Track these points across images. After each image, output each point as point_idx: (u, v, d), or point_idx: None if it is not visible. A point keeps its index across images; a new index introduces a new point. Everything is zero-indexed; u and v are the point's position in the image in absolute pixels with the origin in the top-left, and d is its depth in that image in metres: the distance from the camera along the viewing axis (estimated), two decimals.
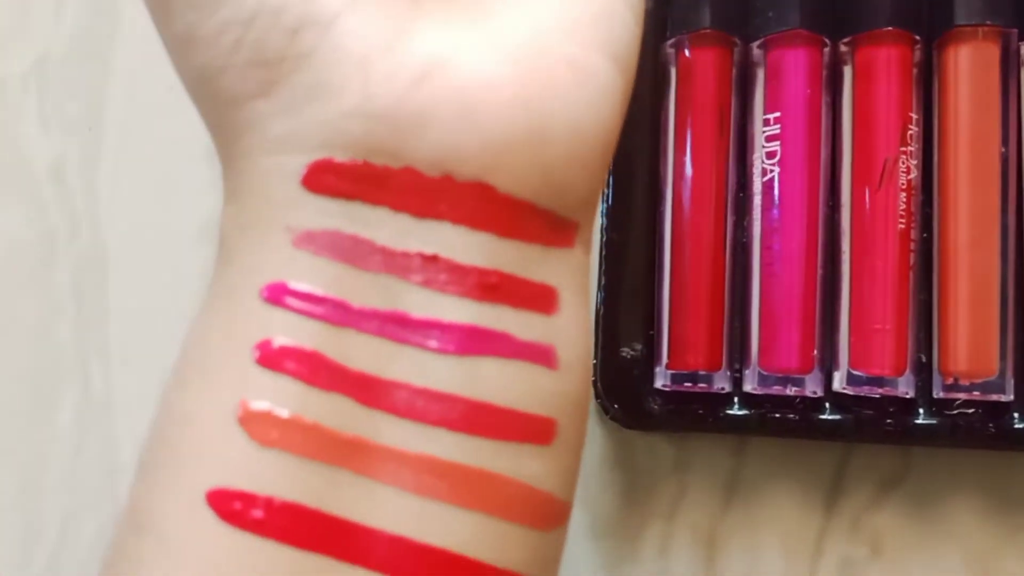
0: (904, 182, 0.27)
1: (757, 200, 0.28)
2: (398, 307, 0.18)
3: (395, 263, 0.18)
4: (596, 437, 0.30)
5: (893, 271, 0.27)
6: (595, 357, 0.29)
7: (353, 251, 0.18)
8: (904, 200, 0.27)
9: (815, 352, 0.27)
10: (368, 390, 0.18)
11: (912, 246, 0.27)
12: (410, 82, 0.17)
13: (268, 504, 0.17)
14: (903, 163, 0.27)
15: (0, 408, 0.32)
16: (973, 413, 0.28)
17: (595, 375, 0.29)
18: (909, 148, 0.27)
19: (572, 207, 0.19)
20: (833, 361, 0.28)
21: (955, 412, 0.27)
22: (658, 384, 0.28)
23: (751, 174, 0.28)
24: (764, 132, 0.28)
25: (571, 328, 0.19)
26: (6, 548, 0.32)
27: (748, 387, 0.28)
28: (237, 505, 0.17)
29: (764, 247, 0.28)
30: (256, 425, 0.17)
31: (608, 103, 0.19)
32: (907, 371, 0.27)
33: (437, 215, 0.18)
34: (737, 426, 0.28)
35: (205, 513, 0.17)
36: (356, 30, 0.18)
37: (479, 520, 0.18)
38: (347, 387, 0.18)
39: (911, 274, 0.27)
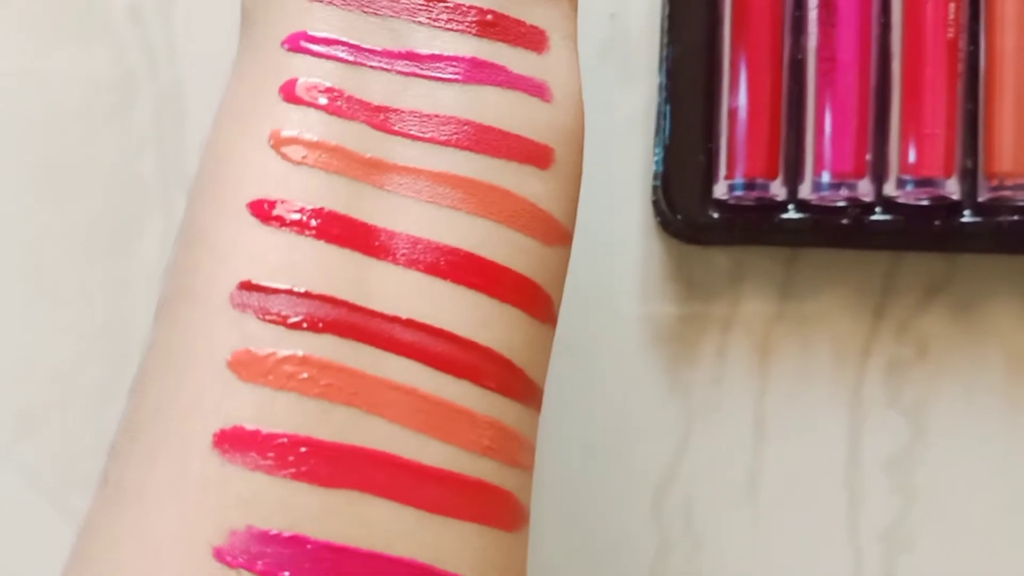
0: None
1: (813, 15, 0.30)
2: (406, 45, 0.20)
3: (400, 6, 0.20)
4: (656, 253, 0.32)
5: (943, 78, 0.29)
6: (658, 170, 0.31)
7: None
8: (953, 11, 0.29)
9: (868, 156, 0.29)
10: (383, 117, 0.20)
11: (960, 56, 0.29)
12: None
13: (302, 208, 0.19)
14: None
15: (86, 243, 0.34)
16: (1017, 218, 0.30)
17: (657, 189, 0.31)
18: None
19: None
20: (884, 167, 0.30)
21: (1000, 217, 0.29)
22: (718, 195, 0.30)
23: None
24: None
25: (562, 67, 0.21)
26: (92, 379, 0.34)
27: (803, 194, 0.30)
28: (275, 209, 0.19)
29: (820, 59, 0.29)
30: (287, 148, 0.19)
31: None
32: (954, 175, 0.29)
33: None
34: (792, 233, 0.30)
35: (248, 219, 0.19)
36: None
37: (488, 225, 0.20)
38: (364, 115, 0.20)
39: (959, 82, 0.29)
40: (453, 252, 0.19)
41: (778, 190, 0.30)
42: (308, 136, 0.19)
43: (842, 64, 0.29)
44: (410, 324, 0.19)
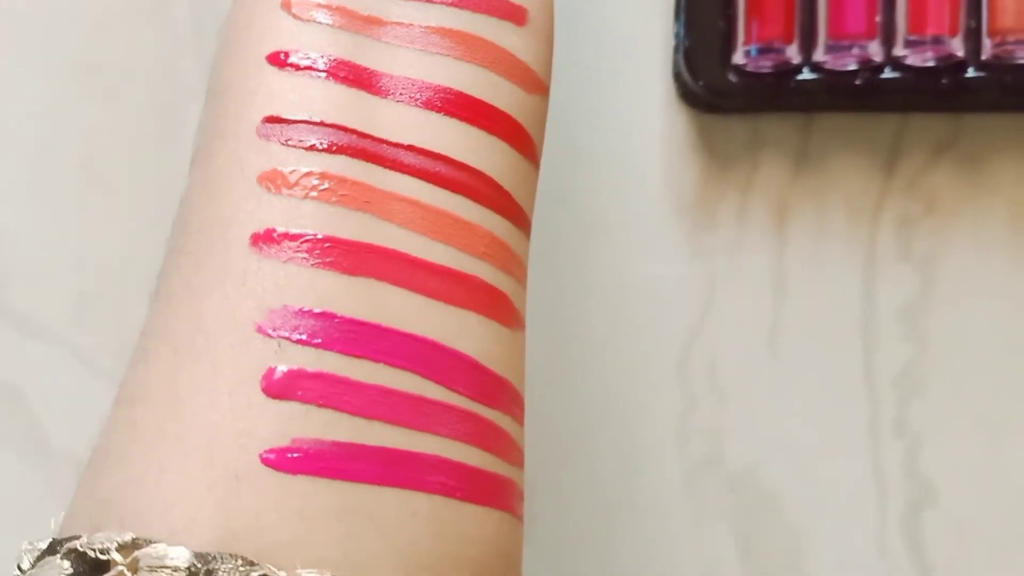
0: None
1: None
2: None
3: None
4: (677, 123, 0.34)
5: None
6: (679, 40, 0.33)
7: None
8: None
9: (877, 18, 0.31)
10: (380, 2, 0.23)
11: None
12: None
13: (313, 55, 0.22)
14: None
15: (134, 136, 0.35)
16: (1020, 76, 0.31)
17: (678, 58, 0.33)
18: None
19: None
20: (892, 29, 0.31)
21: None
22: (736, 61, 0.32)
23: None
24: None
25: None
26: (144, 264, 0.35)
27: (817, 57, 0.31)
28: (290, 58, 0.22)
29: None
30: (297, 8, 0.23)
31: None
32: (959, 34, 0.31)
33: None
34: (806, 95, 0.32)
35: (268, 68, 0.22)
36: None
37: (474, 69, 0.23)
38: None
39: None
40: (445, 90, 0.23)
41: (793, 53, 0.32)
42: None
43: None
44: (411, 148, 0.22)
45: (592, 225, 0.34)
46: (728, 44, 0.32)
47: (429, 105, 0.22)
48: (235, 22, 0.23)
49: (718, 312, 0.34)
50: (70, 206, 0.35)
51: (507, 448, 0.23)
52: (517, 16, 0.24)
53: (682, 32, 0.32)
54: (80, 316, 0.35)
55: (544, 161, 0.34)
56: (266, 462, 0.20)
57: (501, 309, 0.23)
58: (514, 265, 0.24)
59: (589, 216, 0.34)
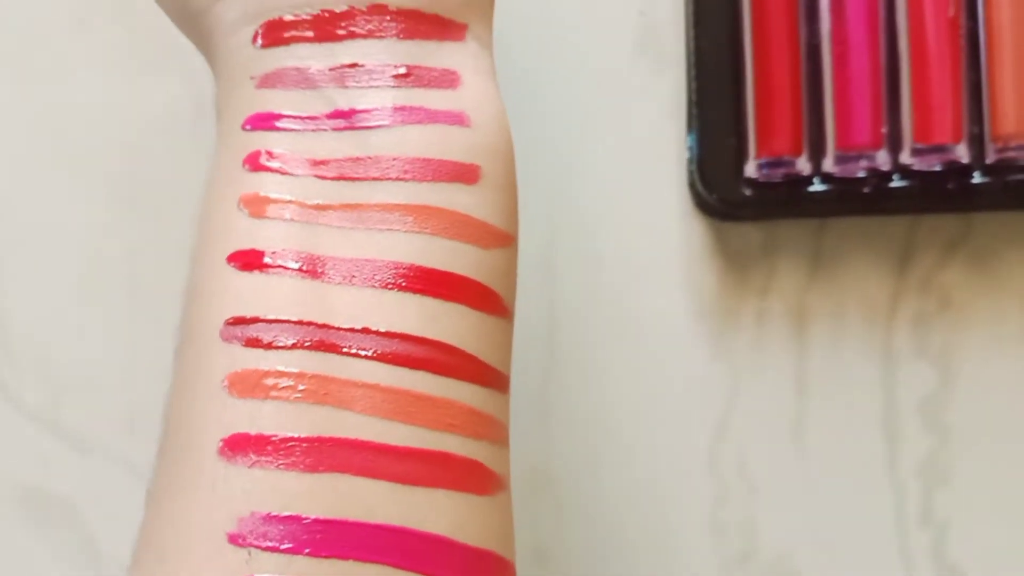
0: None
1: (825, 4, 0.33)
2: (338, 107, 0.24)
3: (329, 77, 0.24)
4: (695, 231, 0.35)
5: (946, 53, 0.32)
6: (692, 154, 0.34)
7: (299, 78, 0.24)
8: None
9: (883, 129, 0.32)
10: (326, 169, 0.24)
11: (960, 31, 0.32)
12: None
13: (269, 252, 0.23)
14: None
15: (178, 252, 0.37)
16: (1022, 177, 0.32)
17: (693, 171, 0.34)
18: None
19: (454, 10, 0.25)
20: (898, 138, 0.33)
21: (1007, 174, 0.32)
22: (748, 173, 0.33)
23: None
24: None
25: (477, 96, 0.25)
26: None
27: (827, 168, 0.33)
28: (248, 258, 0.23)
29: (834, 42, 0.33)
30: (252, 207, 0.24)
31: None
32: (963, 140, 0.32)
33: (351, 36, 0.24)
34: (818, 204, 0.33)
35: (228, 269, 0.23)
36: None
37: (425, 239, 0.23)
38: (311, 171, 0.24)
39: (961, 55, 0.32)
40: (396, 266, 0.23)
41: (803, 165, 0.33)
42: (267, 195, 0.24)
43: (854, 46, 0.32)
44: (366, 331, 0.23)
45: (619, 327, 0.36)
46: (740, 157, 0.33)
47: (382, 284, 0.23)
48: (200, 222, 0.25)
49: (743, 409, 0.35)
50: (119, 322, 0.37)
51: None
52: (468, 176, 0.24)
53: (695, 146, 0.34)
54: (131, 430, 0.37)
55: (568, 269, 0.36)
56: None
57: (474, 478, 0.23)
58: (486, 428, 0.24)
59: (616, 320, 0.36)
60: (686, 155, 0.35)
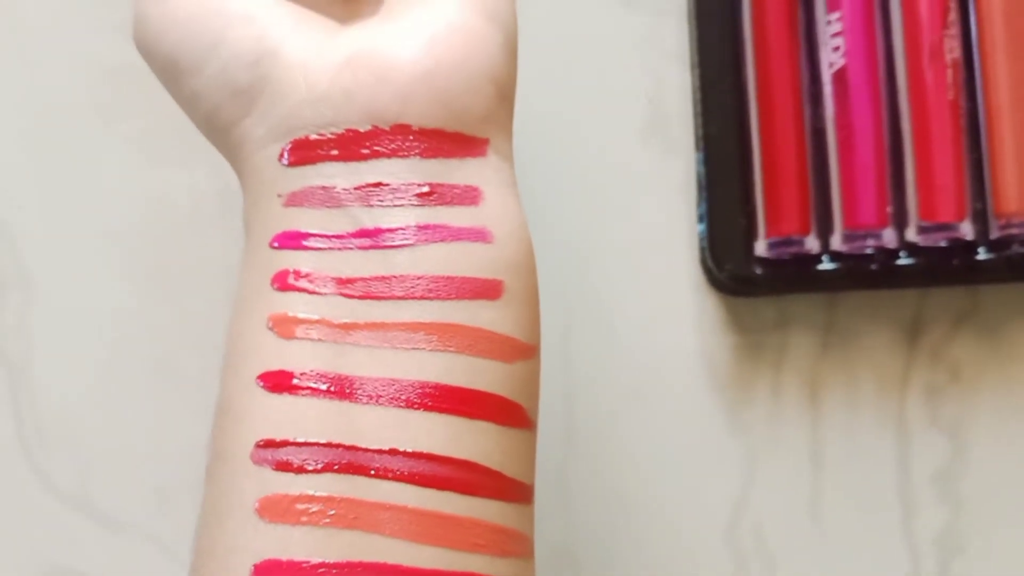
0: (950, 60, 0.33)
1: (828, 89, 0.34)
2: (363, 226, 0.25)
3: (354, 196, 0.25)
4: (708, 307, 0.36)
5: (948, 134, 0.33)
6: (703, 234, 0.35)
7: (324, 197, 0.25)
8: (951, 75, 0.33)
9: (889, 208, 0.33)
10: (353, 287, 0.24)
11: (961, 112, 0.33)
12: (336, 69, 0.25)
13: (299, 374, 0.24)
14: (947, 44, 0.33)
15: (203, 333, 0.38)
16: None
17: (704, 250, 0.35)
18: (951, 31, 0.33)
19: (475, 127, 0.25)
20: (904, 216, 0.34)
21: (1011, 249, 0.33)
22: (758, 252, 0.34)
23: (820, 68, 0.34)
24: (828, 30, 0.34)
25: (498, 211, 0.25)
26: None
27: (835, 246, 0.34)
28: (277, 379, 0.24)
29: (838, 127, 0.34)
30: (281, 327, 0.24)
31: (487, 48, 0.26)
32: (967, 218, 0.33)
33: (375, 156, 0.25)
34: (828, 280, 0.34)
35: (257, 390, 0.24)
36: (296, 46, 0.25)
37: (449, 357, 0.24)
38: (338, 289, 0.24)
39: (963, 136, 0.33)
40: (421, 385, 0.24)
41: (812, 244, 0.34)
42: (295, 315, 0.24)
43: (858, 129, 0.33)
44: (394, 452, 0.23)
45: (635, 404, 0.36)
46: (750, 236, 0.34)
47: (408, 404, 0.23)
48: (229, 341, 0.25)
49: (760, 482, 0.36)
50: (145, 403, 0.37)
51: None
52: (491, 292, 0.25)
53: (705, 227, 0.35)
54: (160, 508, 0.37)
55: (584, 346, 0.36)
56: None
57: None
58: (511, 544, 0.24)
59: (632, 397, 0.36)
60: (697, 235, 0.36)
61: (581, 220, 0.37)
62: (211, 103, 0.26)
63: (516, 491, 0.25)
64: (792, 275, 0.34)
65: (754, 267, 0.34)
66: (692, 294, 0.36)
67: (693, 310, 0.36)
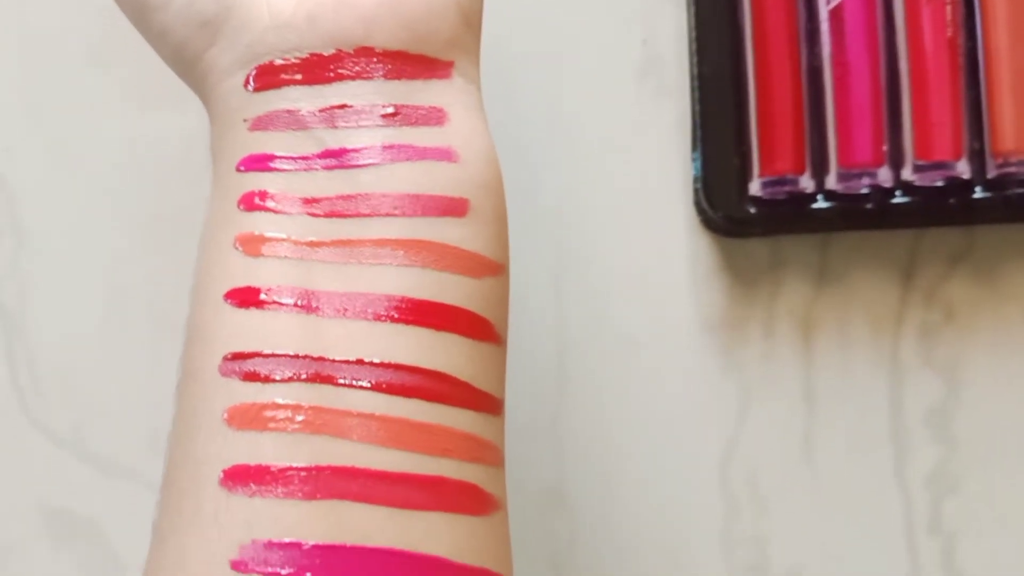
0: None
1: (825, 26, 0.33)
2: (328, 147, 0.25)
3: (319, 119, 0.25)
4: (702, 248, 0.36)
5: (945, 72, 0.33)
6: (698, 175, 0.35)
7: (289, 120, 0.25)
8: (950, 12, 0.33)
9: (884, 147, 0.33)
10: (318, 207, 0.25)
11: (959, 51, 0.33)
12: None
13: (265, 289, 0.24)
14: None
15: None
16: (1023, 191, 0.33)
17: (698, 191, 0.35)
18: None
19: (440, 49, 0.26)
20: (900, 155, 0.33)
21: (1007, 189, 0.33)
22: (753, 192, 0.34)
23: (817, 5, 0.34)
24: None
25: (464, 131, 0.25)
26: None
27: (830, 185, 0.34)
28: (245, 295, 0.24)
29: (835, 64, 0.33)
30: (247, 246, 0.24)
31: None
32: (963, 157, 0.33)
33: (339, 79, 0.25)
34: (822, 220, 0.34)
35: (225, 307, 0.24)
36: None
37: (417, 272, 0.24)
38: (303, 209, 0.25)
39: (960, 74, 0.33)
40: (389, 299, 0.24)
41: (807, 183, 0.34)
42: (262, 233, 0.24)
43: (854, 67, 0.33)
44: (360, 363, 0.23)
45: (629, 346, 0.36)
46: (744, 176, 0.34)
47: (375, 317, 0.24)
48: (197, 264, 0.26)
49: (753, 423, 0.36)
50: (140, 348, 0.37)
51: None
52: (457, 209, 0.25)
53: (700, 167, 0.34)
54: (154, 451, 0.37)
55: (578, 288, 0.36)
56: None
57: (470, 501, 0.24)
58: (481, 451, 0.24)
59: (626, 338, 0.36)
60: (692, 176, 0.36)
61: (576, 163, 0.36)
62: (178, 36, 0.26)
63: (485, 402, 0.25)
64: (786, 215, 0.34)
65: (748, 207, 0.34)
66: (686, 236, 0.36)
67: (687, 252, 0.36)
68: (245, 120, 0.25)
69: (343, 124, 0.25)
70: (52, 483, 0.37)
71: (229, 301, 0.24)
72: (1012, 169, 0.32)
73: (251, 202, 0.25)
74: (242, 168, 0.25)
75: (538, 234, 0.36)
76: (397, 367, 0.24)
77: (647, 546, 0.36)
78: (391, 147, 0.25)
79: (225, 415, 0.23)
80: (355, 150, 0.25)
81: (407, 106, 0.25)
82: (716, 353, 0.36)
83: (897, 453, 0.35)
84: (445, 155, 0.25)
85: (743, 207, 0.34)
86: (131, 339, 0.37)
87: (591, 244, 0.36)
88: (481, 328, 0.25)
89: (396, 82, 0.25)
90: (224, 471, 0.23)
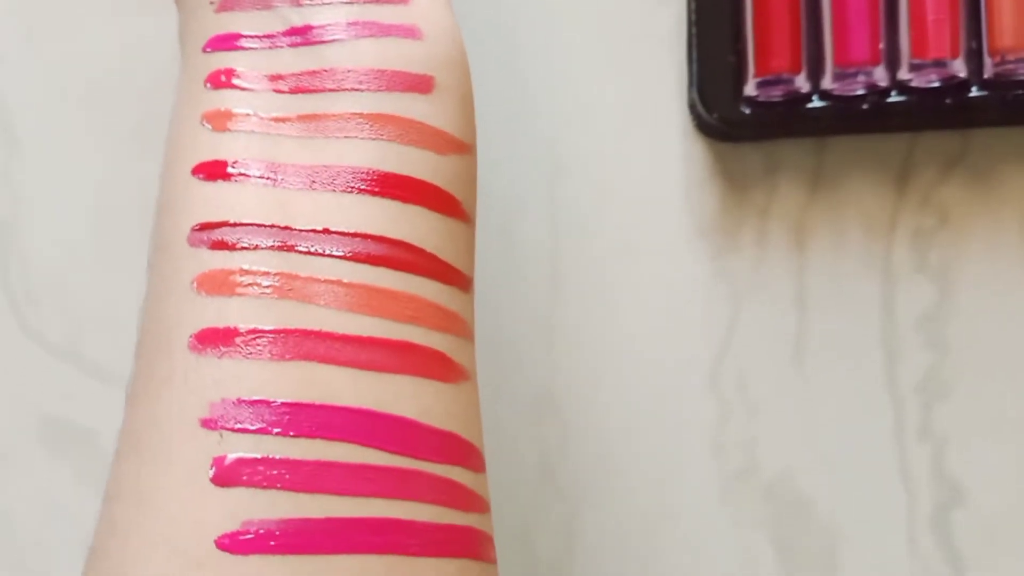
0: None
1: None
2: (293, 24, 0.25)
3: None
4: (696, 152, 0.36)
5: None
6: (692, 75, 0.34)
7: (255, 0, 0.25)
8: None
9: (881, 45, 0.32)
10: (283, 83, 0.25)
11: None
12: None
13: (232, 161, 0.24)
14: None
15: None
16: (1021, 92, 0.33)
17: (693, 92, 0.34)
18: None
19: None
20: (896, 55, 0.33)
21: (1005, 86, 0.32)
22: (748, 93, 0.34)
23: None
24: None
25: (427, 10, 0.26)
26: None
27: (825, 85, 0.33)
28: (212, 169, 0.24)
29: None
30: (214, 121, 0.25)
31: None
32: (960, 55, 0.32)
33: None
34: (817, 121, 0.34)
35: (193, 181, 0.25)
36: None
37: (383, 145, 0.24)
38: (269, 85, 0.25)
39: None
40: (354, 170, 0.24)
41: (802, 83, 0.33)
42: (229, 109, 0.25)
43: None
44: (327, 231, 0.24)
45: (621, 250, 0.36)
46: (739, 77, 0.34)
47: (342, 188, 0.24)
48: (167, 143, 0.26)
49: (744, 328, 0.36)
50: (135, 257, 0.37)
51: (461, 498, 0.24)
52: (422, 86, 0.25)
53: (695, 67, 0.34)
54: None
55: (571, 193, 0.36)
56: (221, 546, 0.22)
57: (438, 367, 0.24)
58: (449, 322, 0.25)
59: (618, 242, 0.36)
60: (686, 77, 0.35)
61: (570, 68, 0.36)
62: None
63: (453, 275, 0.25)
64: (781, 117, 0.34)
65: (744, 108, 0.34)
66: (680, 140, 0.36)
67: (680, 156, 0.36)
68: (211, 2, 0.26)
69: (307, 2, 0.25)
70: (49, 393, 0.37)
71: (197, 175, 0.24)
72: (1010, 67, 0.32)
73: (218, 80, 0.25)
74: (209, 49, 0.25)
75: (533, 140, 0.36)
76: (364, 236, 0.24)
77: (638, 450, 0.36)
78: (355, 23, 0.25)
79: (194, 283, 0.24)
80: (320, 26, 0.25)
81: None
82: (708, 258, 0.36)
83: (888, 359, 0.35)
84: (409, 32, 0.25)
85: (738, 108, 0.34)
86: (125, 247, 0.37)
87: (585, 149, 0.36)
88: (447, 203, 0.25)
89: None
90: (193, 335, 0.23)
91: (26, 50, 0.37)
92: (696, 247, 0.36)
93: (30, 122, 0.37)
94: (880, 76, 0.33)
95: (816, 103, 0.33)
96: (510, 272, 0.36)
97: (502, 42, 0.36)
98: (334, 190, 0.24)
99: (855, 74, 0.33)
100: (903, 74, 0.33)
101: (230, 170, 0.24)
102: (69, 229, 0.37)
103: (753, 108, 0.34)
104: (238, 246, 0.23)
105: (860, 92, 0.33)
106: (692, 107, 0.35)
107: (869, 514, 0.35)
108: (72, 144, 0.37)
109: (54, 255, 0.37)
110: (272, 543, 0.22)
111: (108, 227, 0.37)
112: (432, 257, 0.25)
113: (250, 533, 0.22)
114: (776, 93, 0.33)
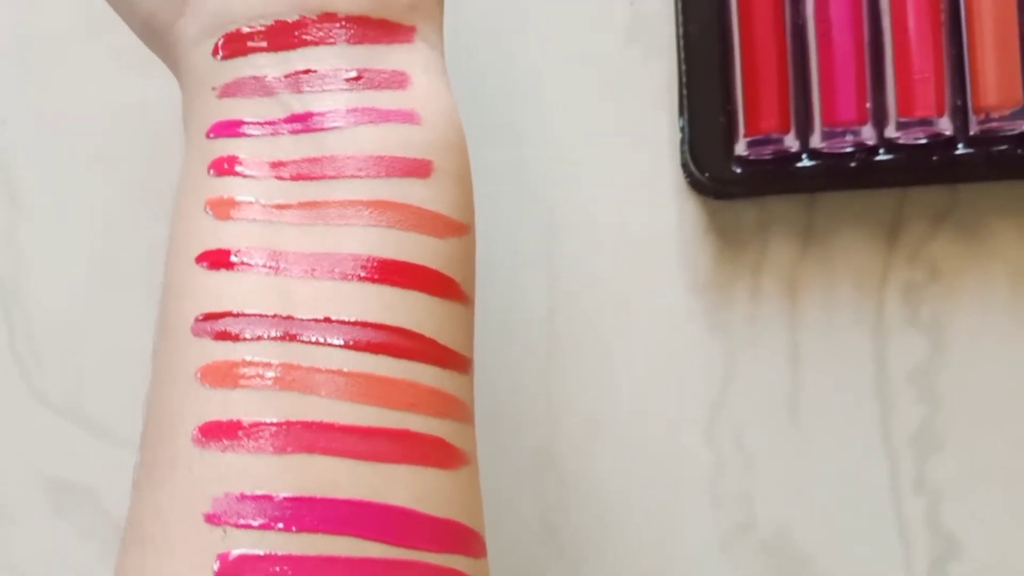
0: None
1: None
2: (294, 111, 0.25)
3: (284, 84, 0.26)
4: (689, 210, 0.36)
5: (927, 28, 0.33)
6: (684, 135, 0.35)
7: (256, 86, 0.26)
8: None
9: (868, 104, 0.33)
10: (285, 170, 0.25)
11: (941, 6, 0.33)
12: None
13: (235, 250, 0.25)
14: None
15: None
16: (1006, 147, 0.33)
17: (685, 152, 0.35)
18: None
19: (401, 14, 0.26)
20: (883, 113, 0.34)
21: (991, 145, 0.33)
22: (739, 152, 0.34)
23: None
24: None
25: (426, 95, 0.26)
26: None
27: (814, 144, 0.34)
28: (215, 257, 0.25)
29: (818, 22, 0.33)
30: (217, 209, 0.25)
31: None
32: (946, 113, 0.33)
33: (303, 44, 0.26)
34: (807, 179, 0.34)
35: (197, 269, 0.25)
36: None
37: (382, 231, 0.25)
38: (271, 172, 0.25)
39: (942, 30, 0.33)
40: (355, 258, 0.24)
41: (791, 142, 0.34)
42: (231, 197, 0.25)
43: (837, 24, 0.33)
44: (328, 320, 0.24)
45: (617, 307, 0.37)
46: (730, 136, 0.34)
47: (341, 276, 0.24)
48: (171, 227, 0.26)
49: (739, 383, 0.36)
50: (138, 314, 0.37)
51: None
52: (421, 170, 0.25)
53: (686, 127, 0.35)
54: None
55: (568, 252, 0.37)
56: None
57: (437, 453, 0.24)
58: (448, 407, 0.25)
59: (614, 299, 0.37)
60: (678, 137, 0.36)
61: (564, 121, 0.37)
62: (147, 7, 0.27)
63: (451, 359, 0.25)
64: (772, 175, 0.34)
65: (734, 167, 0.34)
66: (673, 197, 0.36)
67: (674, 213, 0.36)
68: (214, 88, 0.26)
69: (308, 89, 0.25)
70: (52, 453, 0.37)
71: (201, 263, 0.25)
72: (994, 124, 0.33)
73: (221, 167, 0.25)
74: (212, 135, 0.26)
75: (527, 195, 0.37)
76: (363, 324, 0.24)
77: (636, 506, 0.36)
78: (355, 110, 0.25)
79: (198, 373, 0.24)
80: (320, 114, 0.25)
81: (370, 70, 0.26)
82: (703, 314, 0.36)
83: (882, 412, 0.36)
84: (408, 117, 0.25)
85: (729, 167, 0.34)
86: (127, 306, 0.38)
87: (580, 205, 0.37)
88: (446, 287, 0.25)
89: (359, 47, 0.26)
90: (197, 427, 0.23)
91: (29, 111, 0.38)
92: (691, 303, 0.36)
93: (33, 182, 0.38)
94: (868, 135, 0.33)
95: (806, 162, 0.34)
96: (508, 332, 0.37)
97: (496, 102, 0.37)
98: (334, 278, 0.24)
99: (843, 133, 0.33)
100: (890, 132, 0.33)
101: (233, 259, 0.24)
102: (72, 289, 0.38)
103: (744, 167, 0.34)
104: (241, 337, 0.24)
105: (848, 150, 0.34)
106: (684, 166, 0.35)
107: (867, 568, 0.36)
108: (75, 204, 0.38)
109: (58, 315, 0.38)
110: None
111: (110, 287, 0.38)
112: (431, 342, 0.25)
113: None
114: (766, 152, 0.34)
